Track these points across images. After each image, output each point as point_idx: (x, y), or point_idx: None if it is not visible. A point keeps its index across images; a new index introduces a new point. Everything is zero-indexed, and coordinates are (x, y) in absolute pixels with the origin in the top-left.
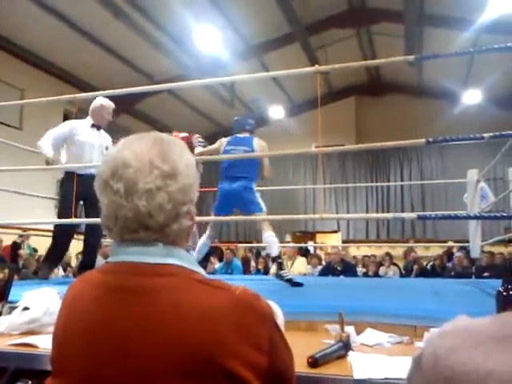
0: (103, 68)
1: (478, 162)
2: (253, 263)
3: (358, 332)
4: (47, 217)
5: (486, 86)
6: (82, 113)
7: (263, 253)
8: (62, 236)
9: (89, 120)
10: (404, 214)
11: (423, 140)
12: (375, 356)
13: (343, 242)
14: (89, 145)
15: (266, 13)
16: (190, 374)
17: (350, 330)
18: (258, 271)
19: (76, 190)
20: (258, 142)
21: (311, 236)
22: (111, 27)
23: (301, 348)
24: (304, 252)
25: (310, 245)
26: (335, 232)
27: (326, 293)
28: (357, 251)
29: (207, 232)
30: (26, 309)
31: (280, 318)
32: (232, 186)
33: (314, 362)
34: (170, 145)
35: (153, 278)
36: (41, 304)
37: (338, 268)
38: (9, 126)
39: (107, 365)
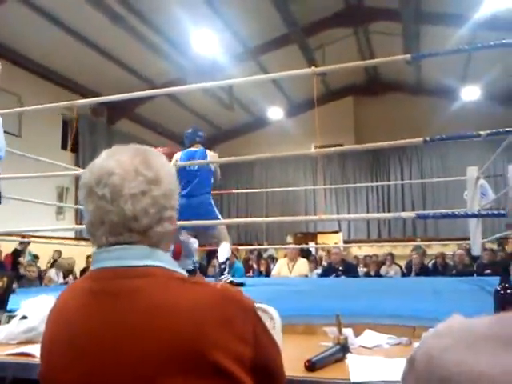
0: (101, 73)
1: (479, 159)
2: (254, 265)
3: (357, 334)
4: (48, 223)
5: (484, 82)
6: (81, 118)
7: (265, 254)
8: None
9: None
10: (403, 214)
11: (420, 139)
12: (373, 358)
13: (345, 242)
14: None
15: (262, 15)
16: (178, 370)
17: (348, 332)
18: (259, 273)
19: None
20: (210, 155)
21: (312, 237)
22: (108, 32)
23: (299, 351)
24: (305, 253)
25: (312, 246)
26: (336, 232)
27: (325, 294)
28: (358, 251)
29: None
30: (24, 318)
31: (277, 323)
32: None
33: (311, 366)
34: (152, 154)
35: (132, 279)
36: (38, 312)
37: (339, 268)
38: (8, 133)
39: (96, 372)
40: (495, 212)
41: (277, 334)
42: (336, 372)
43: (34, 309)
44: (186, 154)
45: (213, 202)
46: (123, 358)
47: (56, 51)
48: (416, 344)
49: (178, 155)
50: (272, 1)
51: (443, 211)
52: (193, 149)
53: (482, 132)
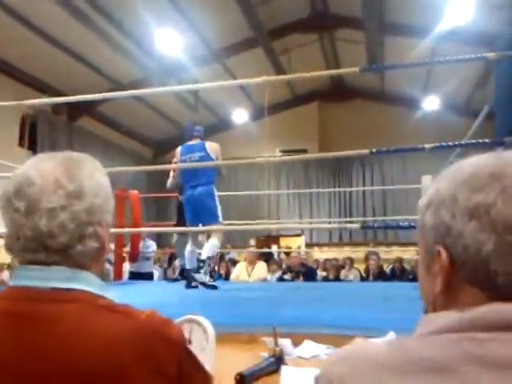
0: (63, 70)
1: (437, 166)
2: (216, 268)
3: (297, 343)
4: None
5: (444, 93)
6: (40, 115)
7: (227, 257)
8: None
9: None
10: (348, 225)
11: (367, 150)
12: (308, 370)
13: (307, 245)
14: None
15: (228, 17)
16: None
17: (286, 342)
18: (219, 276)
19: None
20: (209, 145)
21: (275, 239)
22: (72, 29)
23: (237, 363)
24: (267, 257)
25: (274, 250)
26: (299, 236)
27: (273, 301)
28: (320, 254)
29: (190, 241)
30: None
31: (211, 335)
32: (194, 192)
33: (241, 380)
34: (79, 163)
35: (52, 303)
36: None
37: (298, 272)
38: None
39: None
40: None
41: (210, 346)
42: None
43: None
44: (186, 148)
45: (215, 194)
46: None
47: (18, 47)
48: None
49: (178, 149)
50: (238, 3)
51: (397, 219)
52: (191, 142)
53: (426, 146)
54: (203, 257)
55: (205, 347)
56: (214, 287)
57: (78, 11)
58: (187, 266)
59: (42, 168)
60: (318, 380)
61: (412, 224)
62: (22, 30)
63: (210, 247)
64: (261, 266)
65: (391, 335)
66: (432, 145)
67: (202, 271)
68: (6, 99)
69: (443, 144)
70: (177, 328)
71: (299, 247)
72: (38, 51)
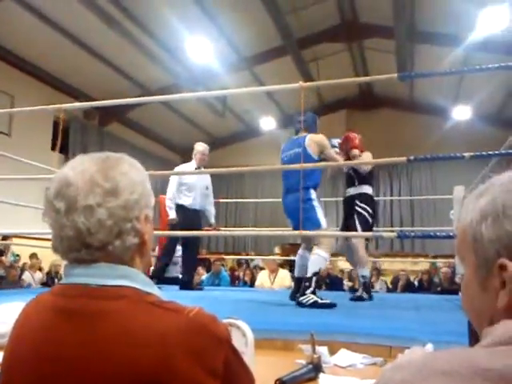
0: (95, 76)
1: (468, 177)
2: (241, 275)
3: (334, 351)
4: (34, 225)
5: (476, 102)
6: (73, 120)
7: (252, 264)
8: None
9: (193, 163)
10: (384, 234)
11: (404, 158)
12: (345, 379)
13: (332, 254)
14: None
15: (258, 25)
16: None
17: (322, 350)
18: (244, 283)
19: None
20: (309, 138)
21: (299, 248)
22: (104, 36)
23: (273, 369)
24: (291, 265)
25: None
26: None
27: (305, 310)
28: (345, 264)
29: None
30: None
31: (250, 339)
32: (286, 199)
33: None
34: (114, 162)
35: (101, 300)
36: (10, 318)
37: (325, 281)
38: None
39: None
40: None
41: (249, 350)
42: None
43: (7, 314)
44: (286, 144)
45: (314, 198)
46: (80, 379)
47: (51, 53)
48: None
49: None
50: (268, 12)
51: (426, 229)
52: (295, 137)
53: (466, 154)
54: (309, 273)
55: (244, 351)
56: (332, 305)
57: (110, 18)
58: (295, 274)
59: (80, 168)
60: None
61: (450, 234)
62: (57, 36)
63: (316, 260)
64: (283, 274)
65: (429, 347)
66: (471, 153)
67: (308, 291)
68: (38, 104)
69: (483, 153)
70: (224, 326)
71: None
72: (71, 58)
